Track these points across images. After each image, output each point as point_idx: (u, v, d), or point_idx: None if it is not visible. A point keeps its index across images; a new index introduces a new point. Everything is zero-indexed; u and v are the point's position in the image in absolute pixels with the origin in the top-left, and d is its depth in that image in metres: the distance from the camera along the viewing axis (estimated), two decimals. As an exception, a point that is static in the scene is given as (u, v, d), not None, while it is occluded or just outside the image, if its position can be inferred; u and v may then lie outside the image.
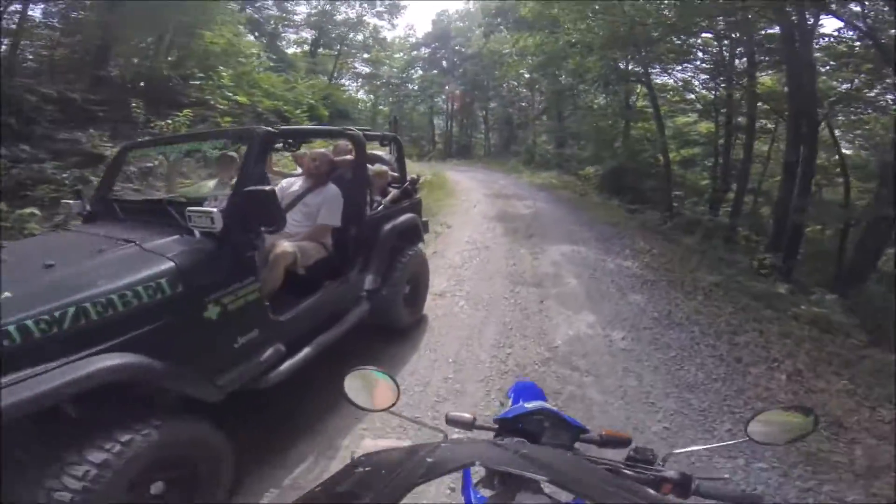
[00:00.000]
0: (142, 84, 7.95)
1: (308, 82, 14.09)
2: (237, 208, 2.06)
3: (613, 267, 5.90)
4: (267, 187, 2.03)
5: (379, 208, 3.56)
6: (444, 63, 29.15)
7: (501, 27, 19.87)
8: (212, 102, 8.25)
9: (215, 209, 1.96)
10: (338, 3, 22.61)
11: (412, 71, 30.19)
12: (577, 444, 1.03)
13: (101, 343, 1.53)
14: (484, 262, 5.84)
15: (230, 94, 8.71)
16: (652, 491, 0.84)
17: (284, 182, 3.31)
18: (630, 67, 14.20)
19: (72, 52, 8.21)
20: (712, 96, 13.21)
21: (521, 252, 6.38)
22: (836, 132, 11.02)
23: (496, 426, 1.08)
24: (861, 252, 8.42)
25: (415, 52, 29.93)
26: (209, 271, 1.92)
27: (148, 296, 1.67)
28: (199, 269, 1.86)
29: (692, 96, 13.95)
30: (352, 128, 3.30)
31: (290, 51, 22.59)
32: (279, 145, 3.00)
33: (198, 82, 8.33)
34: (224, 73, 8.90)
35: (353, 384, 1.06)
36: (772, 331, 4.30)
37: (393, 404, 1.05)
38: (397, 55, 29.43)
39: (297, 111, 10.75)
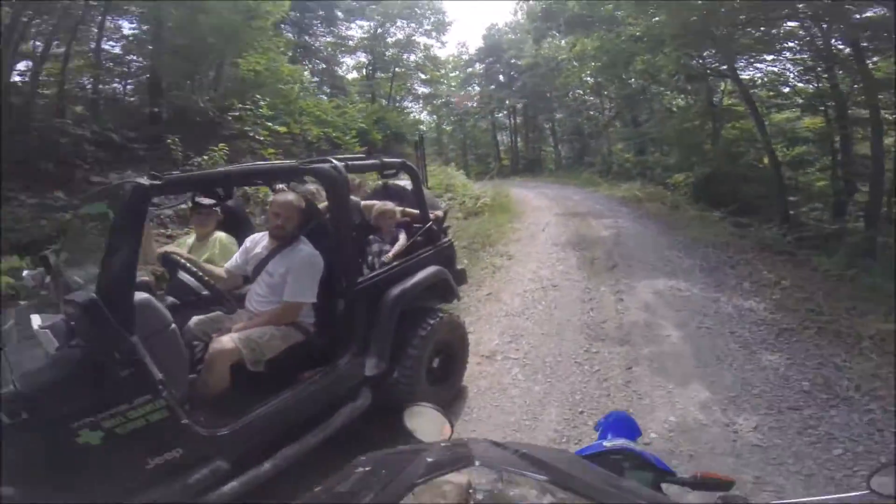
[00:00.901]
0: (187, 119, 8.08)
1: (358, 106, 14.10)
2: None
3: (731, 310, 4.53)
4: (85, 298, 1.57)
5: (381, 266, 2.84)
6: (501, 77, 29.39)
7: (553, 31, 19.52)
8: (251, 134, 8.18)
9: (39, 325, 1.62)
10: (387, 24, 23.55)
11: (469, 88, 30.85)
12: (663, 486, 1.06)
13: None
14: (551, 308, 4.82)
15: (270, 124, 8.61)
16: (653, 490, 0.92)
17: (249, 241, 2.64)
18: (709, 62, 13.21)
19: (118, 91, 8.68)
20: (812, 88, 11.79)
21: (600, 291, 5.24)
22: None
23: None
24: None
25: (470, 69, 30.52)
26: (67, 397, 1.60)
27: None
28: (49, 395, 1.58)
29: (787, 89, 12.66)
30: (329, 158, 2.56)
31: (351, 76, 24.00)
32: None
33: (237, 113, 8.32)
34: (262, 102, 8.84)
35: (412, 416, 1.17)
36: None
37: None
38: (453, 73, 30.15)
39: (347, 137, 10.57)
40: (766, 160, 12.47)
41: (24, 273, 2.57)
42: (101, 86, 8.48)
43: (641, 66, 14.30)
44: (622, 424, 1.45)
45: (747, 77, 12.83)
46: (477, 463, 0.68)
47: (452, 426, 1.14)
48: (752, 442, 2.67)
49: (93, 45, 8.24)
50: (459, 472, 0.63)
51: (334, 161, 2.49)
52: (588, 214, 10.07)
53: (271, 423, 2.07)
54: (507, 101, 28.40)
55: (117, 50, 8.89)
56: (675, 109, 16.84)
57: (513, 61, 27.60)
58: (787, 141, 13.09)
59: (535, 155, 29.50)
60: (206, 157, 7.06)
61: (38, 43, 7.52)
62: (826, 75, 10.92)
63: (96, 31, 8.15)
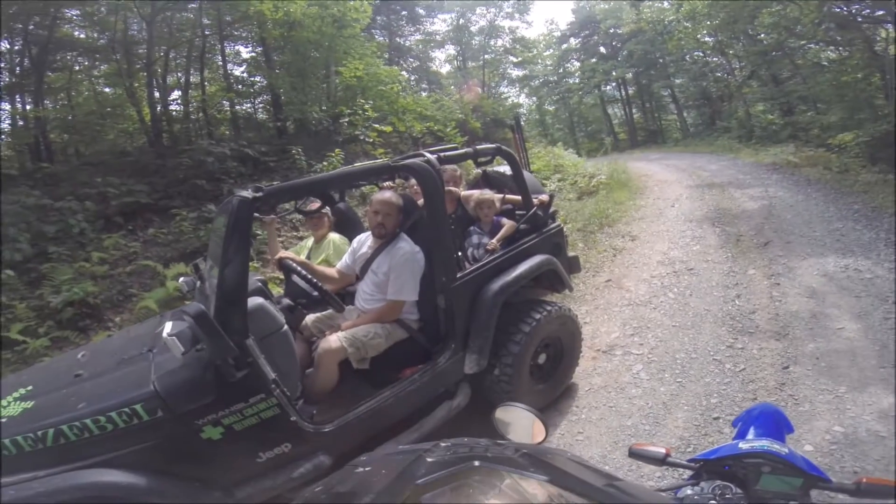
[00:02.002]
0: (306, 129, 8.99)
1: (454, 97, 14.43)
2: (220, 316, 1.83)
3: (932, 295, 3.61)
4: (194, 310, 1.71)
5: (483, 258, 2.81)
6: (602, 49, 28.53)
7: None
8: (361, 137, 8.79)
9: (168, 333, 1.72)
10: (468, 14, 24.41)
11: (567, 65, 30.36)
12: (812, 493, 0.98)
13: (81, 460, 1.67)
14: (685, 295, 4.33)
15: (377, 126, 9.16)
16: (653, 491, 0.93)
17: (356, 242, 2.77)
18: (858, 8, 11.18)
19: (250, 110, 9.97)
20: None
21: (749, 275, 4.57)
22: None
23: (694, 466, 1.08)
24: None
25: (564, 45, 29.86)
26: (193, 396, 1.80)
27: (123, 422, 1.70)
28: (180, 395, 1.78)
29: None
30: (423, 152, 2.56)
31: (444, 70, 25.21)
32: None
33: (346, 119, 8.99)
34: (366, 106, 9.42)
35: (503, 417, 1.16)
36: None
37: (540, 443, 1.09)
38: (546, 52, 29.91)
39: (447, 129, 10.82)
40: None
41: (180, 280, 2.94)
42: (236, 107, 9.88)
43: (770, 18, 12.94)
44: (767, 420, 1.26)
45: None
46: (476, 463, 0.69)
47: (547, 428, 1.11)
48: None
49: (220, 72, 9.64)
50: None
51: (427, 154, 2.48)
52: (729, 185, 8.87)
53: (372, 420, 2.15)
54: (614, 73, 27.22)
55: (243, 73, 10.31)
56: (825, 63, 14.76)
57: (612, 31, 26.64)
58: None
59: (654, 125, 27.92)
60: (324, 164, 7.77)
61: (179, 74, 9.04)
62: None
63: (220, 58, 9.53)
